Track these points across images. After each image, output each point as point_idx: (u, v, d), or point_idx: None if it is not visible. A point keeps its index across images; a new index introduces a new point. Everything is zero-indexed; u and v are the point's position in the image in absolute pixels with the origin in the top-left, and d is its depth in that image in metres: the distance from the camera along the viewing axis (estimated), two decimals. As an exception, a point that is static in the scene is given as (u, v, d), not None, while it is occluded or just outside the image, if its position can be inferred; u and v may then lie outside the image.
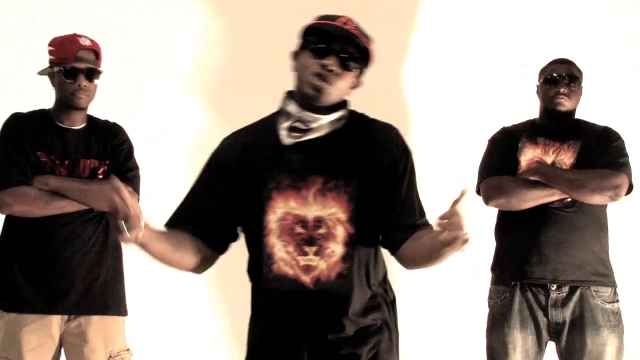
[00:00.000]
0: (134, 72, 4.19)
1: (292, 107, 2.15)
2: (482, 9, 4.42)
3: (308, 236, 2.09)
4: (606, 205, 3.19)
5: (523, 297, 3.12)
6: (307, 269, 2.09)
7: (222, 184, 2.17)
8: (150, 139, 3.93)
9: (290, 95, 2.19)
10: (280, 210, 2.09)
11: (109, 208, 1.91)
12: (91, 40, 3.04)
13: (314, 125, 2.12)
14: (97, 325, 2.95)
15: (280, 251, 2.09)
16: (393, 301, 2.25)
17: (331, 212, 2.09)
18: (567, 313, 3.09)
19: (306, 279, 2.10)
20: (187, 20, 4.34)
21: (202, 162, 4.21)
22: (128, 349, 3.05)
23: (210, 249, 2.21)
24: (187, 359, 4.20)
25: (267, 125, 2.20)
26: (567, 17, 4.42)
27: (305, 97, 2.12)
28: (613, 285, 3.15)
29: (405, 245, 2.14)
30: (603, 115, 4.13)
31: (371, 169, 2.13)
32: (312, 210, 2.08)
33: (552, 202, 3.11)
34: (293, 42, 4.37)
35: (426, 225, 2.17)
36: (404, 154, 2.18)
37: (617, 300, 3.14)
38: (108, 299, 2.99)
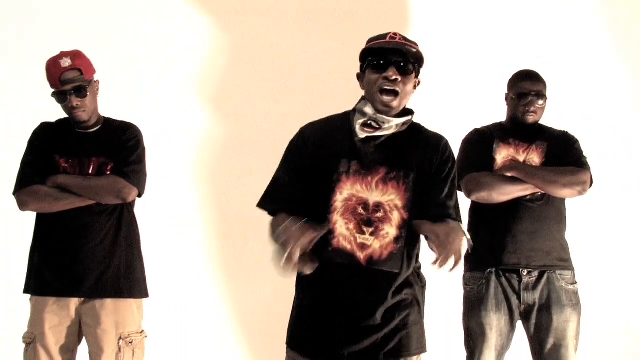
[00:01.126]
0: (135, 73, 4.29)
1: (369, 109, 2.47)
2: (481, 10, 4.61)
3: (367, 218, 2.41)
4: (564, 199, 3.50)
5: (498, 282, 3.42)
6: (363, 246, 2.41)
7: (303, 167, 2.47)
8: (150, 139, 4.00)
9: (365, 99, 2.51)
10: (347, 191, 2.42)
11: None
12: (72, 57, 3.19)
13: (385, 125, 2.45)
14: (110, 309, 3.20)
15: (342, 227, 2.41)
16: (424, 285, 2.58)
17: (390, 198, 2.43)
18: (536, 295, 3.40)
19: (360, 255, 2.41)
20: (188, 22, 4.45)
21: (202, 161, 4.38)
22: (142, 331, 3.28)
23: None
24: (200, 343, 4.37)
25: (342, 120, 2.53)
26: (563, 20, 4.62)
27: (377, 110, 2.44)
28: (572, 268, 3.49)
29: None
30: (603, 113, 4.33)
31: (425, 166, 2.47)
32: (374, 195, 2.42)
33: (524, 196, 3.42)
34: (293, 43, 4.53)
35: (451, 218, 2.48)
36: (451, 161, 2.53)
37: (576, 282, 3.48)
38: (121, 284, 3.22)
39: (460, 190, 3.46)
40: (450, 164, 2.53)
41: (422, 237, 2.51)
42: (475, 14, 4.61)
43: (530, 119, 3.48)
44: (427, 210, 2.45)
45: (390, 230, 2.42)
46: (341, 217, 2.41)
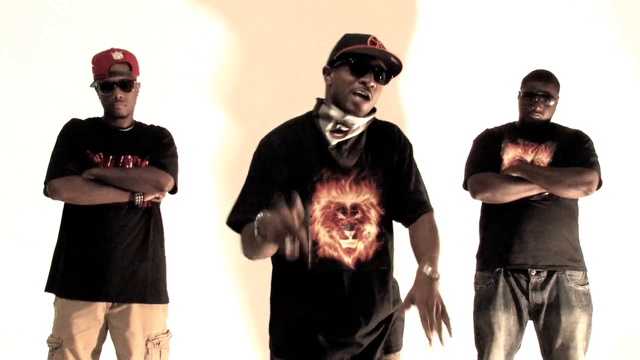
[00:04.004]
0: (149, 76, 4.06)
1: (335, 112, 2.44)
2: (484, 11, 4.64)
3: (347, 222, 2.41)
4: (577, 199, 3.52)
5: (506, 282, 3.44)
6: (349, 251, 2.42)
7: (272, 180, 2.42)
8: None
9: (324, 101, 2.49)
10: (324, 199, 2.42)
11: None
12: (124, 53, 3.26)
13: (355, 127, 2.44)
14: (137, 312, 3.19)
15: (325, 236, 2.41)
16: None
17: (365, 197, 2.44)
18: (545, 295, 3.42)
19: (349, 260, 2.42)
20: (202, 24, 4.47)
21: (219, 163, 4.41)
22: (167, 332, 3.30)
23: None
24: (219, 342, 4.42)
25: (305, 127, 2.49)
26: (562, 21, 4.66)
27: (344, 108, 2.42)
28: (584, 269, 3.49)
29: (412, 227, 2.49)
30: (600, 113, 4.38)
31: (389, 159, 2.48)
32: (350, 198, 2.42)
33: (532, 196, 3.44)
34: (306, 47, 4.56)
35: (428, 209, 2.52)
36: (408, 146, 2.54)
37: (587, 283, 3.48)
38: (147, 289, 3.22)
39: (467, 189, 3.52)
40: (408, 149, 2.53)
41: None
42: (481, 13, 4.66)
43: (536, 118, 3.49)
44: (402, 205, 2.48)
45: (371, 229, 2.43)
46: (322, 226, 2.40)
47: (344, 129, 2.43)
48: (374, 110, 2.50)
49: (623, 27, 4.71)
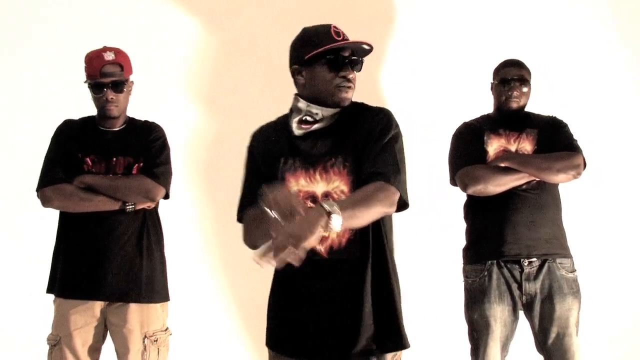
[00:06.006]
0: (154, 76, 4.24)
1: (302, 104, 2.47)
2: (477, 9, 4.59)
3: None
4: (558, 185, 3.50)
5: (500, 273, 3.40)
6: (321, 239, 2.36)
7: (257, 171, 2.49)
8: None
9: (299, 96, 2.51)
10: (294, 188, 2.41)
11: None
12: (116, 53, 3.27)
13: (319, 117, 2.44)
14: (135, 309, 3.22)
15: None
16: (394, 269, 2.48)
17: (335, 185, 2.41)
18: (537, 285, 3.39)
19: (321, 248, 2.39)
20: (177, 18, 4.46)
21: (193, 159, 4.41)
22: (166, 329, 3.32)
23: None
24: (200, 340, 4.40)
25: (282, 122, 2.54)
26: (559, 20, 4.60)
27: (329, 105, 2.43)
28: (571, 256, 3.48)
29: None
30: (600, 102, 4.36)
31: (361, 144, 2.42)
32: (320, 186, 2.41)
33: (520, 185, 3.41)
34: (283, 39, 4.49)
35: (380, 178, 2.34)
36: (383, 122, 2.43)
37: (575, 270, 3.46)
38: (142, 288, 3.24)
39: (455, 185, 3.50)
40: (382, 124, 2.42)
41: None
42: (465, 8, 4.61)
43: (514, 104, 3.49)
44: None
45: None
46: None
47: (309, 119, 2.45)
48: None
49: (622, 27, 4.63)
